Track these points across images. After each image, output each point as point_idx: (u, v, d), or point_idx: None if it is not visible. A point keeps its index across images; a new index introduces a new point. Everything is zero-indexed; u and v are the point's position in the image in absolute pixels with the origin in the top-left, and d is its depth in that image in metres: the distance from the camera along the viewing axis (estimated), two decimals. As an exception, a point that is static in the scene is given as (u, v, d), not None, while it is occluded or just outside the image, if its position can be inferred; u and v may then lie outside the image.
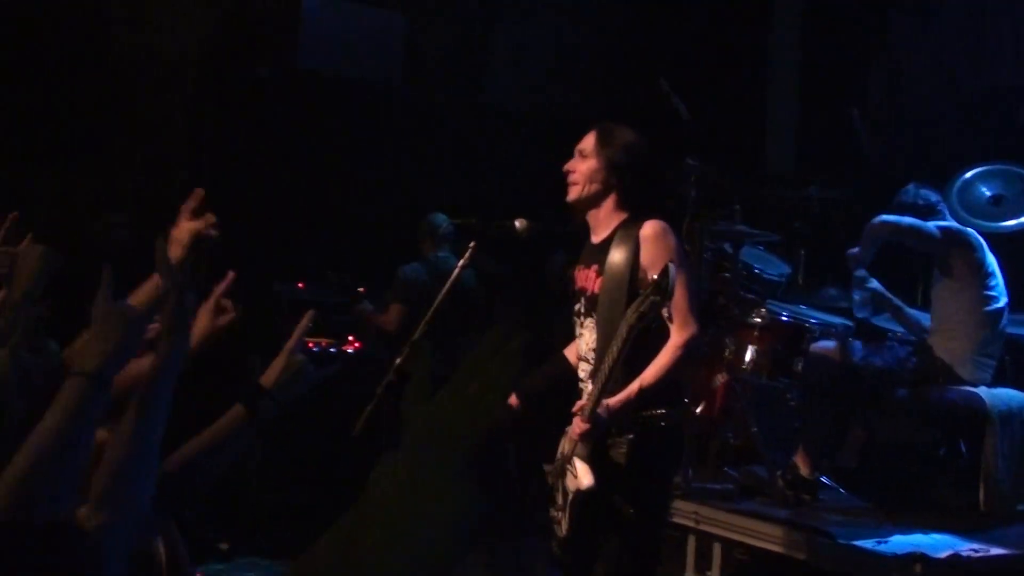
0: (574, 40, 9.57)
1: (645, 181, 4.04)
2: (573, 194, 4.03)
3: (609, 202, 4.01)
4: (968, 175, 6.63)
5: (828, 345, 5.79)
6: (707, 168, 6.09)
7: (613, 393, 3.77)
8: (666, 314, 3.78)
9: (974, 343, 5.60)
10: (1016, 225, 6.48)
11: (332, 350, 7.84)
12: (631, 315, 3.58)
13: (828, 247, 7.36)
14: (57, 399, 2.21)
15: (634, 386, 3.77)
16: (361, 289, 7.87)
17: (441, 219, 7.61)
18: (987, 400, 5.54)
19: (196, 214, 3.15)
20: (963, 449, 6.04)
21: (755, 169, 8.67)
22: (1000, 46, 7.72)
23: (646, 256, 3.84)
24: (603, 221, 4.03)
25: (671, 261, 3.63)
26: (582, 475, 3.76)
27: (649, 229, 3.87)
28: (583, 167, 4.02)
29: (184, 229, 3.12)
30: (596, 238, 4.06)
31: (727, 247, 6.20)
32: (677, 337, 3.82)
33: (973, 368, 5.60)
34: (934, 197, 5.91)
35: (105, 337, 2.29)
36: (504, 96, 9.46)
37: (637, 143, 4.03)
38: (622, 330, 3.61)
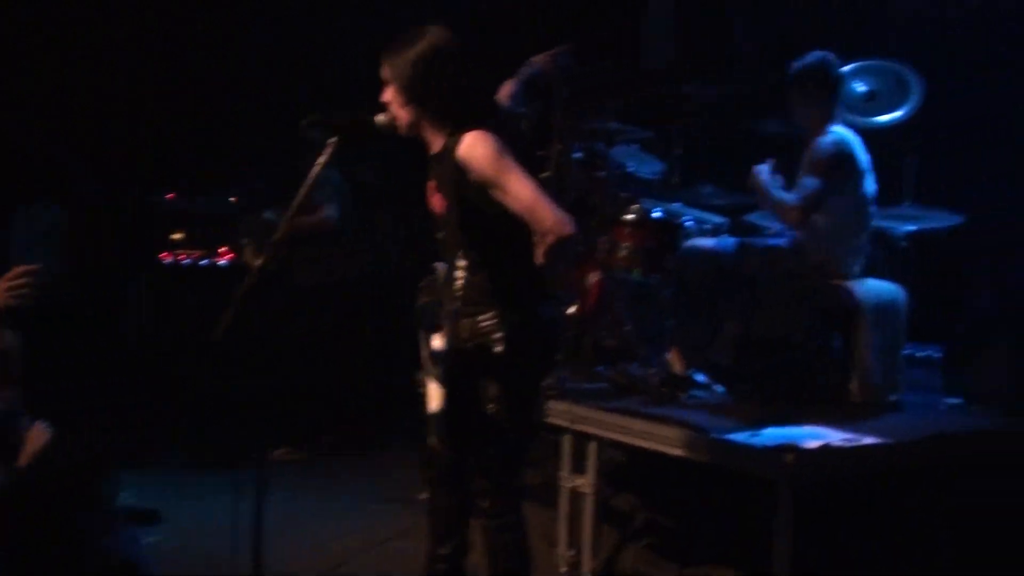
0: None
1: (450, 90, 3.77)
2: (400, 128, 3.86)
3: (426, 122, 3.82)
4: (843, 70, 6.60)
5: (701, 242, 5.76)
6: (580, 64, 5.98)
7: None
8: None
9: (843, 236, 5.62)
10: (889, 120, 6.49)
11: (204, 262, 7.65)
12: None
13: (703, 145, 7.34)
14: None
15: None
16: (233, 199, 7.69)
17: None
18: (858, 293, 5.56)
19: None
20: (836, 342, 6.09)
21: (630, 66, 8.56)
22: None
23: (474, 175, 3.66)
24: (432, 139, 3.85)
25: (489, 169, 3.59)
26: (431, 397, 3.73)
27: (464, 149, 3.66)
28: (388, 96, 3.84)
29: None
30: (432, 149, 3.89)
31: (600, 145, 6.11)
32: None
33: (844, 261, 5.63)
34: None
35: None
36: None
37: (424, 54, 3.74)
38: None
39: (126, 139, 7.89)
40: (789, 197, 5.51)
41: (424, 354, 3.76)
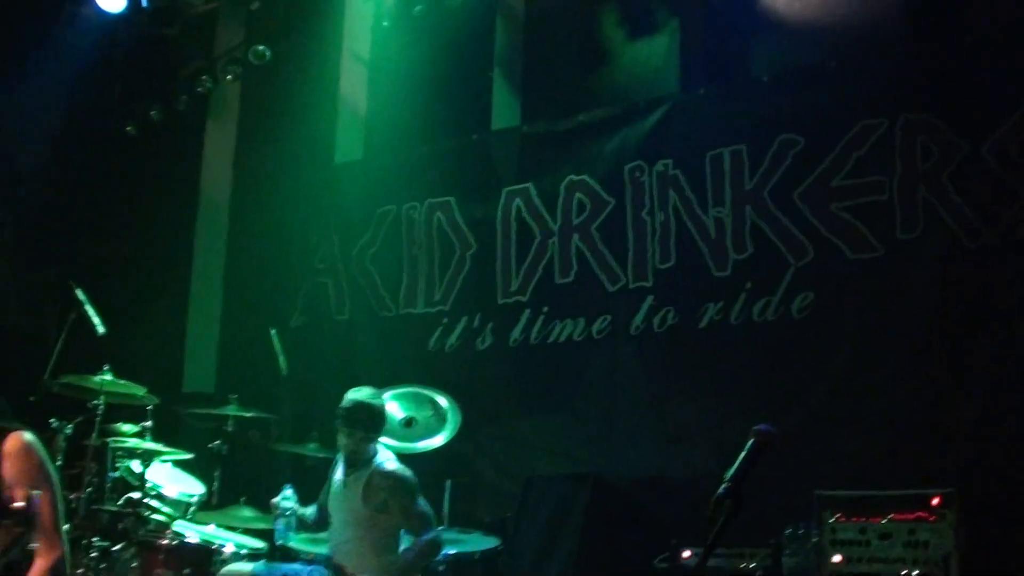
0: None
1: None
2: None
3: None
4: (383, 396, 6.77)
5: (237, 568, 5.60)
6: (118, 383, 5.88)
7: None
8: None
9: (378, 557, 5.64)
10: (426, 447, 6.68)
11: None
12: None
13: (244, 466, 7.25)
14: None
15: None
16: None
17: None
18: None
19: None
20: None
21: (172, 387, 8.44)
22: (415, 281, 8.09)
23: (8, 473, 3.60)
24: None
25: (32, 482, 3.54)
26: None
27: (9, 445, 3.63)
28: None
29: None
30: None
31: (136, 464, 5.94)
32: (43, 561, 3.60)
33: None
34: None
35: None
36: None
37: None
38: None
39: None
40: None
41: None
